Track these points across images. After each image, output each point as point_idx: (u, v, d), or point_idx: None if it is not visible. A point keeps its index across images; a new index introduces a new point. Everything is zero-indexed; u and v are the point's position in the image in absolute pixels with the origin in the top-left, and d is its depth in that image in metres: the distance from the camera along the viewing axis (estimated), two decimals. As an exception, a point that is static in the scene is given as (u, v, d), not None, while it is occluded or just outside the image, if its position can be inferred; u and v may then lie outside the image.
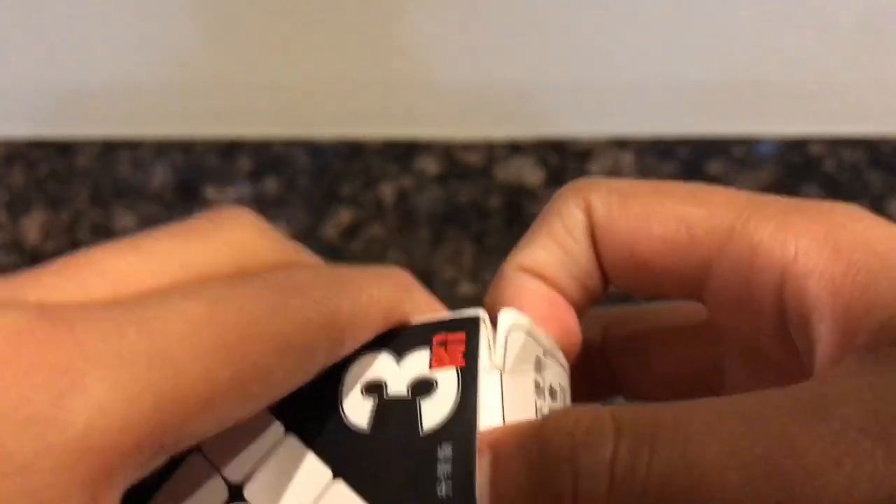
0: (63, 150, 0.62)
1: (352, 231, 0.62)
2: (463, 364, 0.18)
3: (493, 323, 0.19)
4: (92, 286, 0.15)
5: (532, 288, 0.20)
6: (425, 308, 0.19)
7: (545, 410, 0.19)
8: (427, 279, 0.62)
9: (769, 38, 0.59)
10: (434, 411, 0.18)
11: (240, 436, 0.18)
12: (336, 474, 0.17)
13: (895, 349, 0.15)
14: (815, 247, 0.17)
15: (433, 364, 0.18)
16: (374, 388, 0.18)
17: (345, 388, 0.18)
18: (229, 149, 0.62)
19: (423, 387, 0.18)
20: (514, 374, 0.18)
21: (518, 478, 0.15)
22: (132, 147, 0.62)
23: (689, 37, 0.60)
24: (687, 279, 0.19)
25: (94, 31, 0.61)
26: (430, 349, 0.19)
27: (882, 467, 0.12)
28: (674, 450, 0.14)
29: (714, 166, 0.60)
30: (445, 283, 0.63)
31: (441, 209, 0.62)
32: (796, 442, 0.13)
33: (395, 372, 0.19)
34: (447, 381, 0.18)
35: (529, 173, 0.61)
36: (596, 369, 0.23)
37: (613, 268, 0.20)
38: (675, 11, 0.59)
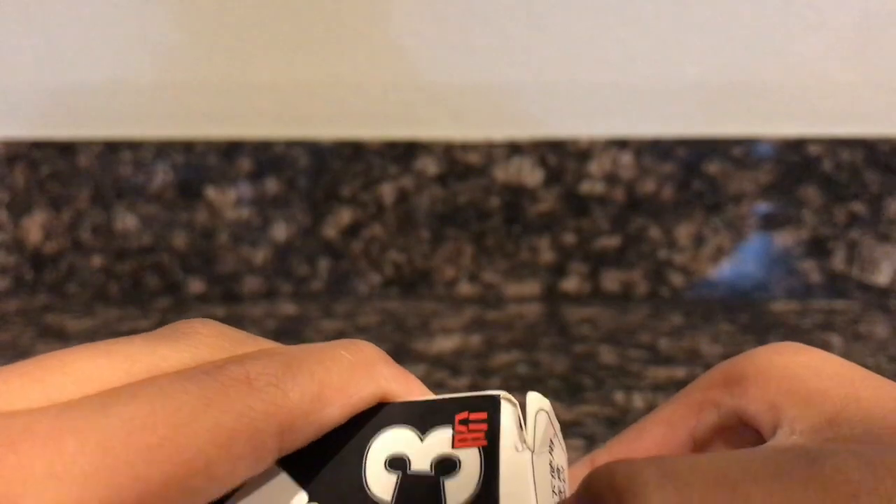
0: (64, 150, 0.62)
1: (352, 231, 0.62)
2: (485, 444, 0.18)
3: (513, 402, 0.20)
4: (57, 388, 0.16)
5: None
6: (394, 381, 0.20)
7: (557, 492, 0.20)
8: (427, 279, 0.63)
9: (768, 40, 0.59)
10: (458, 491, 0.18)
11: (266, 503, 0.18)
12: None
13: (793, 439, 0.20)
14: (755, 389, 0.22)
15: (456, 443, 0.19)
16: (398, 464, 0.19)
17: (368, 461, 0.19)
18: (230, 149, 0.62)
19: (447, 465, 0.18)
20: (538, 454, 0.19)
21: None
22: (133, 147, 0.62)
23: (688, 38, 0.60)
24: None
25: (95, 32, 0.61)
26: (453, 427, 0.19)
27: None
28: (722, 497, 0.16)
29: (712, 166, 0.60)
30: (445, 282, 0.63)
31: (441, 209, 0.62)
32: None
33: (419, 448, 0.19)
34: (470, 461, 0.18)
35: (529, 173, 0.61)
36: None
37: None
38: (674, 13, 0.59)
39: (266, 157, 0.62)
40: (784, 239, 0.61)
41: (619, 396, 0.45)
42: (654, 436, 0.24)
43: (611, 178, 0.61)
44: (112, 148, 0.62)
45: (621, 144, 0.60)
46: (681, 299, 0.61)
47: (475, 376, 0.51)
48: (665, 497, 0.15)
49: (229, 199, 0.62)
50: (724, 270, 0.61)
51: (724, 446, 0.24)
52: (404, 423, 0.19)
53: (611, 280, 0.62)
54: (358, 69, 0.61)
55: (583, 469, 0.25)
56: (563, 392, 0.46)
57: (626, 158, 0.60)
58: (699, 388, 0.24)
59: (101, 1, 0.61)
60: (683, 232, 0.61)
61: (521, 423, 0.19)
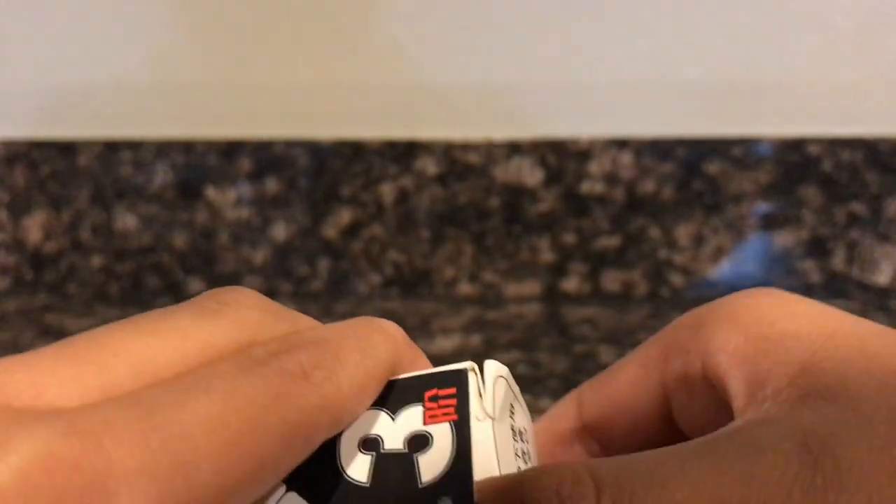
0: (64, 150, 0.62)
1: (352, 231, 0.62)
2: (456, 418, 0.19)
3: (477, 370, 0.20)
4: (112, 374, 0.16)
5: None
6: (418, 363, 0.21)
7: (520, 454, 0.20)
8: (427, 279, 0.63)
9: (767, 39, 0.59)
10: (431, 465, 0.18)
11: None
12: None
13: (779, 399, 0.19)
14: (722, 332, 0.21)
15: (427, 420, 0.19)
16: (372, 444, 0.19)
17: (343, 445, 0.19)
18: (230, 149, 0.62)
19: (419, 441, 0.19)
20: (500, 421, 0.19)
21: None
22: (133, 147, 0.62)
23: (688, 37, 0.60)
24: (651, 406, 0.23)
25: (95, 32, 0.61)
26: (423, 405, 0.19)
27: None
28: (651, 497, 0.16)
29: (712, 166, 0.60)
30: (445, 283, 0.63)
31: (441, 209, 0.62)
32: (748, 476, 0.16)
33: (391, 428, 0.19)
34: (442, 436, 0.19)
35: (529, 173, 0.61)
36: (584, 448, 0.26)
37: (599, 426, 0.24)
38: (673, 12, 0.59)
39: (266, 157, 0.62)
40: (784, 239, 0.61)
41: (618, 396, 0.45)
42: (628, 376, 0.24)
43: (611, 178, 0.61)
44: (112, 148, 0.62)
45: (621, 144, 0.60)
46: (681, 299, 0.61)
47: (475, 376, 0.51)
48: None
49: (229, 199, 0.62)
50: (724, 270, 0.61)
51: (686, 398, 0.22)
52: (375, 405, 0.20)
53: (611, 280, 0.62)
54: (358, 69, 0.61)
55: (570, 406, 0.25)
56: (563, 392, 0.46)
57: (626, 158, 0.60)
58: (674, 327, 0.23)
59: (101, 1, 0.61)
60: (683, 232, 0.61)
61: (481, 392, 0.20)
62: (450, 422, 0.19)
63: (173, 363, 0.17)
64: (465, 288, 0.63)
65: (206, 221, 0.63)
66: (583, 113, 0.61)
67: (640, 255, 0.62)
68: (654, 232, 0.61)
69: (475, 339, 0.56)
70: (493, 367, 0.21)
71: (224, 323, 0.18)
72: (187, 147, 0.62)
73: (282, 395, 0.17)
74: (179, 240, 0.63)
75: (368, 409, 0.20)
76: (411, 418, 0.19)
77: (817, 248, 0.61)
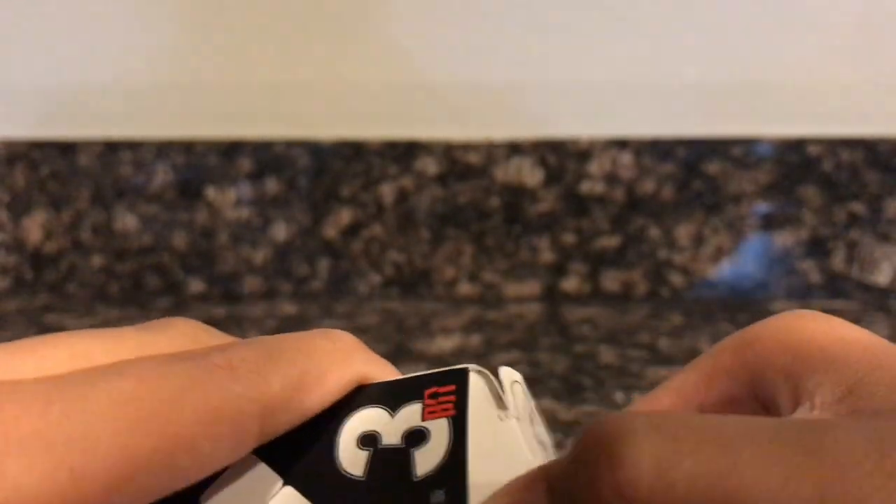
0: (64, 150, 0.62)
1: (352, 231, 0.62)
2: (454, 413, 0.19)
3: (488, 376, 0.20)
4: (49, 361, 0.17)
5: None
6: (371, 367, 0.21)
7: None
8: (427, 279, 0.63)
9: (767, 40, 0.60)
10: (427, 459, 0.18)
11: (242, 492, 0.19)
12: None
13: (828, 412, 0.19)
14: (771, 352, 0.21)
15: (425, 416, 0.19)
16: (370, 440, 0.19)
17: (341, 442, 0.19)
18: (230, 149, 0.62)
19: (416, 437, 0.19)
20: (522, 421, 0.19)
21: (571, 477, 0.16)
22: (133, 147, 0.62)
23: (688, 38, 0.60)
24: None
25: (95, 32, 0.62)
26: (423, 402, 0.20)
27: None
28: (710, 452, 0.15)
29: (712, 167, 0.60)
30: (445, 283, 0.63)
31: (441, 209, 0.62)
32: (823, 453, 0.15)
33: (390, 424, 0.20)
34: (439, 431, 0.19)
35: (529, 173, 0.61)
36: None
37: None
38: (673, 13, 0.59)
39: (266, 157, 0.62)
40: (784, 239, 0.61)
41: (618, 396, 0.45)
42: (663, 406, 0.23)
43: (611, 178, 0.61)
44: (112, 148, 0.62)
45: (621, 144, 0.60)
46: (681, 299, 0.61)
47: (475, 376, 0.51)
48: (653, 446, 0.15)
49: (229, 199, 0.62)
50: (723, 270, 0.61)
51: None
52: (376, 403, 0.20)
53: (611, 280, 0.62)
54: (358, 69, 0.61)
55: None
56: (563, 392, 0.46)
57: (626, 158, 0.60)
58: (712, 355, 0.23)
59: (101, 1, 0.61)
60: (683, 232, 0.61)
61: (500, 393, 0.20)
62: (448, 417, 0.19)
63: (107, 358, 0.18)
64: (465, 288, 0.63)
65: (207, 221, 0.63)
66: (583, 113, 0.61)
67: (639, 255, 0.62)
68: (654, 232, 0.61)
69: (475, 339, 0.56)
70: (509, 372, 0.21)
71: (163, 335, 0.19)
72: (187, 147, 0.62)
73: (202, 380, 0.17)
74: (179, 240, 0.63)
75: (369, 408, 0.20)
76: (410, 415, 0.19)
77: (817, 248, 0.61)
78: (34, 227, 0.64)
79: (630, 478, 0.15)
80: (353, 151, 0.61)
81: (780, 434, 0.15)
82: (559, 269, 0.62)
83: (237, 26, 0.61)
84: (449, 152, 0.61)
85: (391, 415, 0.20)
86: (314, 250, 0.63)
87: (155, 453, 0.16)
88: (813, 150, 0.60)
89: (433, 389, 0.20)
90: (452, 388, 0.20)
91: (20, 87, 0.63)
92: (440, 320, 0.59)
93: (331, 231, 0.63)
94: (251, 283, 0.63)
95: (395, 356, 0.54)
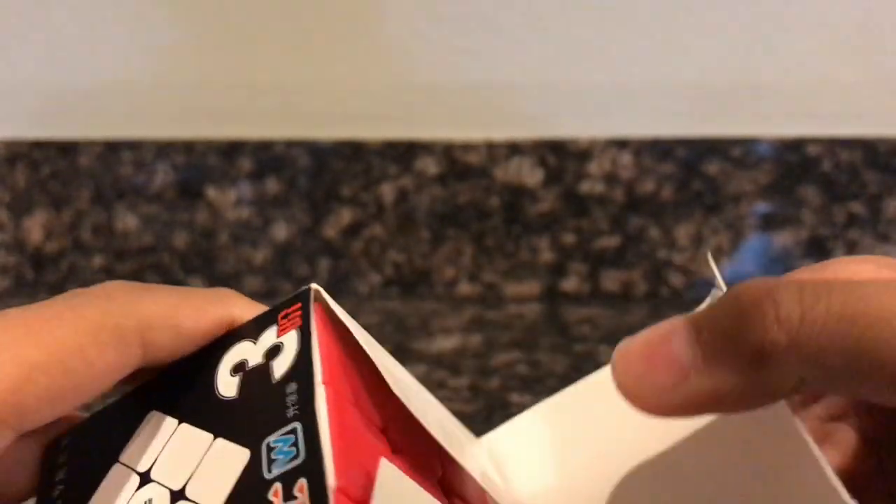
0: (65, 150, 0.63)
1: (352, 231, 0.63)
2: (300, 324, 0.22)
3: None
4: None
5: None
6: (245, 309, 0.24)
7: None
8: (427, 279, 0.63)
9: (767, 40, 0.60)
10: (282, 364, 0.22)
11: (146, 440, 0.22)
12: (216, 435, 0.21)
13: None
14: None
15: (279, 333, 0.23)
16: (239, 367, 0.23)
17: (219, 376, 0.23)
18: (230, 149, 0.62)
19: (274, 351, 0.22)
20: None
21: (723, 321, 0.19)
22: (134, 147, 0.62)
23: (687, 38, 0.60)
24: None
25: (95, 32, 0.62)
26: (277, 324, 0.23)
27: None
28: (846, 296, 0.18)
29: (712, 167, 0.60)
30: (445, 282, 0.63)
31: (441, 209, 0.62)
32: None
33: (254, 350, 0.23)
34: (290, 340, 0.22)
35: (529, 173, 0.61)
36: None
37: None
38: (673, 13, 0.59)
39: (266, 157, 0.62)
40: (783, 239, 0.61)
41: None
42: None
43: (610, 178, 0.61)
44: (112, 148, 0.62)
45: (621, 144, 0.60)
46: (680, 299, 0.61)
47: (475, 376, 0.51)
48: (798, 291, 0.18)
49: (230, 199, 0.63)
50: (723, 270, 0.61)
51: None
52: (243, 337, 0.23)
53: (610, 280, 0.62)
54: (358, 69, 0.61)
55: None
56: (562, 392, 0.46)
57: (626, 158, 0.61)
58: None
59: (102, 1, 0.61)
60: (683, 232, 0.61)
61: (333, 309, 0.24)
62: (296, 328, 0.22)
63: None
64: (465, 288, 0.63)
65: (207, 221, 0.63)
66: (582, 113, 0.61)
67: (639, 255, 0.62)
68: (654, 232, 0.61)
69: (475, 339, 0.56)
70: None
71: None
72: (188, 147, 0.62)
73: (80, 305, 0.21)
74: (180, 240, 0.63)
75: (239, 343, 0.23)
76: (268, 337, 0.23)
77: (817, 247, 0.61)
78: (35, 226, 0.64)
79: (783, 315, 0.18)
80: (353, 151, 0.62)
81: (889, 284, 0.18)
82: (559, 269, 0.62)
83: (237, 26, 0.61)
84: (449, 152, 0.61)
85: (254, 342, 0.23)
86: (314, 250, 0.63)
87: (49, 357, 0.20)
88: (812, 150, 0.60)
89: (284, 312, 0.23)
90: (298, 305, 0.23)
91: (21, 86, 0.63)
92: (440, 320, 0.59)
93: (331, 231, 0.63)
94: (251, 283, 0.63)
95: (396, 356, 0.54)
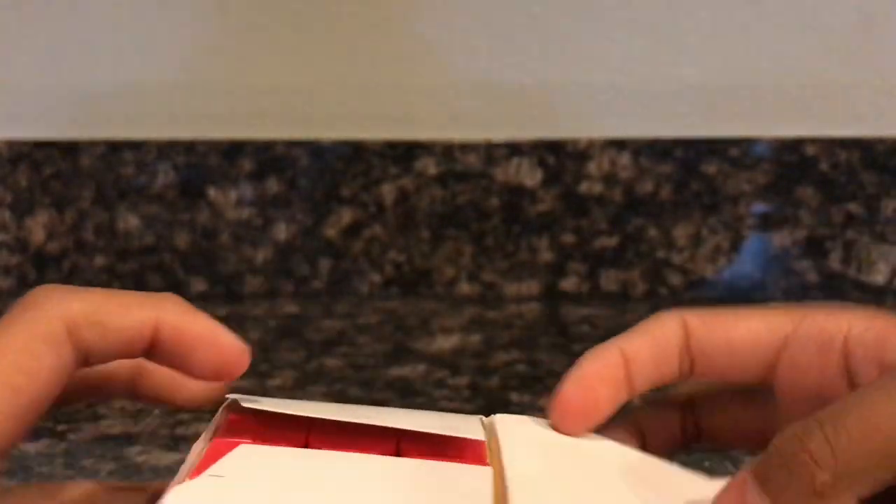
0: (67, 151, 0.63)
1: (352, 231, 0.63)
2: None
3: None
4: None
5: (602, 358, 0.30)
6: (178, 315, 0.24)
7: None
8: (427, 279, 0.63)
9: (765, 42, 0.60)
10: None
11: None
12: None
13: None
14: (858, 321, 0.27)
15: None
16: None
17: None
18: (231, 149, 0.62)
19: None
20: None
21: (779, 474, 0.23)
22: (136, 148, 0.62)
23: (685, 40, 0.60)
24: (764, 357, 0.28)
25: (98, 34, 0.62)
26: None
27: None
28: (860, 420, 0.22)
29: (710, 167, 0.61)
30: (445, 282, 0.63)
31: (441, 210, 0.62)
32: None
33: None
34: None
35: (528, 174, 0.61)
36: (684, 423, 0.31)
37: (704, 356, 0.28)
38: (671, 15, 0.60)
39: (267, 157, 0.62)
40: (781, 239, 0.61)
41: (617, 395, 0.45)
42: (750, 325, 0.28)
43: (609, 179, 0.61)
44: (114, 148, 0.63)
45: (620, 145, 0.61)
46: (679, 299, 0.61)
47: (475, 375, 0.51)
48: (820, 442, 0.22)
49: (231, 200, 0.63)
50: (721, 270, 0.62)
51: (804, 357, 0.27)
52: None
53: (609, 280, 0.62)
54: (358, 70, 0.62)
55: (676, 328, 0.28)
56: (561, 391, 0.46)
57: (625, 159, 0.61)
58: (803, 307, 0.28)
59: (103, 3, 0.61)
60: (681, 232, 0.62)
61: None
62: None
63: None
64: (465, 288, 0.63)
65: (208, 221, 0.63)
66: (581, 114, 0.61)
67: (638, 254, 0.62)
68: (653, 232, 0.62)
69: (475, 339, 0.56)
70: None
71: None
72: (189, 148, 0.62)
73: (13, 320, 0.22)
74: (181, 240, 0.63)
75: None
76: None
77: (814, 247, 0.61)
78: (37, 227, 0.64)
79: (819, 460, 0.22)
80: (354, 152, 0.62)
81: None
82: (558, 269, 0.63)
83: (239, 27, 0.61)
84: (449, 153, 0.61)
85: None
86: (315, 250, 0.63)
87: None
88: (810, 150, 0.60)
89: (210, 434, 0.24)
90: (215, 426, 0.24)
91: (23, 88, 0.63)
92: (440, 320, 0.59)
93: (331, 231, 0.63)
94: (252, 283, 0.64)
95: (396, 356, 0.54)
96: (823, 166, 0.60)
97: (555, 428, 0.27)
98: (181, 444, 0.43)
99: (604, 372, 0.29)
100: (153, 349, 0.24)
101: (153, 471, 0.41)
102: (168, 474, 0.22)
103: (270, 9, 0.61)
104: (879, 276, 0.61)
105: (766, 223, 0.61)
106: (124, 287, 0.64)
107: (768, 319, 0.28)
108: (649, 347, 0.28)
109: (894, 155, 0.60)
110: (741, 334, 0.28)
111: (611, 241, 0.62)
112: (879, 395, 0.22)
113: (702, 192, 0.61)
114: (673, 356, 0.28)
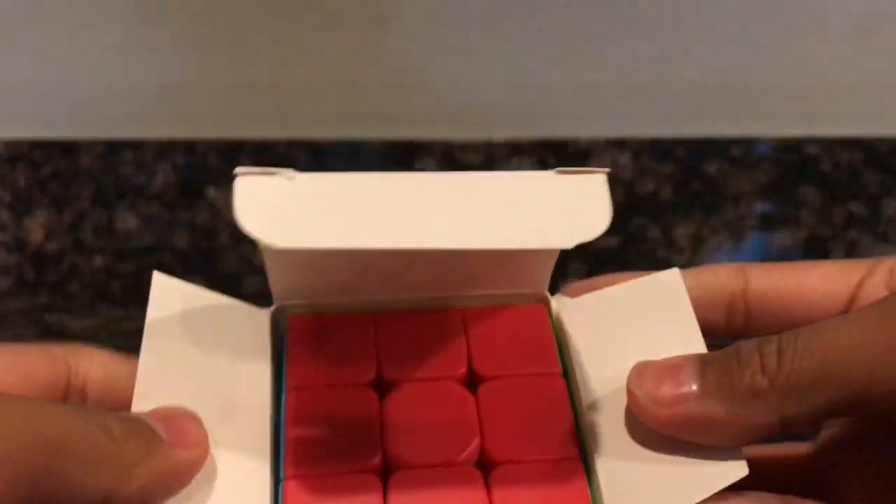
0: (66, 150, 0.63)
1: (352, 231, 0.63)
2: None
3: None
4: None
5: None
6: (108, 365, 0.26)
7: None
8: (427, 279, 0.63)
9: (766, 40, 0.60)
10: None
11: None
12: None
13: None
14: None
15: None
16: None
17: None
18: (231, 149, 0.62)
19: None
20: None
21: (724, 364, 0.23)
22: (135, 148, 0.62)
23: (687, 39, 0.60)
24: (836, 300, 0.28)
25: (97, 32, 0.62)
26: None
27: None
28: (815, 341, 0.22)
29: (711, 167, 0.60)
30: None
31: (441, 209, 0.62)
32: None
33: None
34: None
35: (528, 174, 0.61)
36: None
37: (765, 307, 0.28)
38: (672, 14, 0.60)
39: (267, 157, 0.62)
40: (782, 239, 0.61)
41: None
42: (822, 271, 0.28)
43: (609, 179, 0.61)
44: (113, 148, 0.62)
45: (620, 145, 0.61)
46: (680, 299, 0.61)
47: (475, 376, 0.51)
48: (771, 350, 0.23)
49: (230, 199, 0.63)
50: (722, 270, 0.62)
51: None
52: None
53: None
54: (358, 69, 0.62)
55: (734, 274, 0.29)
56: (562, 391, 0.46)
57: (626, 159, 0.61)
58: (877, 261, 0.28)
59: (102, 1, 0.61)
60: (682, 232, 0.61)
61: None
62: None
63: None
64: (464, 288, 0.63)
65: (208, 221, 0.63)
66: (582, 113, 0.61)
67: (639, 255, 0.62)
68: (654, 232, 0.61)
69: (475, 339, 0.56)
70: None
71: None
72: (188, 147, 0.62)
73: None
74: (181, 240, 0.63)
75: None
76: None
77: (816, 248, 0.61)
78: (35, 226, 0.64)
79: (766, 364, 0.23)
80: (354, 152, 0.62)
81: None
82: (559, 269, 0.62)
83: (238, 26, 0.61)
84: (449, 152, 0.61)
85: None
86: (315, 250, 0.63)
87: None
88: (811, 150, 0.60)
89: None
90: None
91: (21, 87, 0.63)
92: (440, 320, 0.59)
93: (331, 231, 0.63)
94: (252, 283, 0.63)
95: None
96: (825, 166, 0.60)
97: None
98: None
99: None
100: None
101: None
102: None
103: (270, 7, 0.61)
104: (881, 277, 0.61)
105: (768, 223, 0.61)
106: (124, 287, 0.64)
107: (839, 266, 0.28)
108: (691, 289, 0.28)
109: (896, 155, 0.60)
110: (813, 279, 0.28)
111: (611, 241, 0.62)
112: (850, 322, 0.22)
113: (703, 191, 0.61)
114: (720, 304, 0.29)
